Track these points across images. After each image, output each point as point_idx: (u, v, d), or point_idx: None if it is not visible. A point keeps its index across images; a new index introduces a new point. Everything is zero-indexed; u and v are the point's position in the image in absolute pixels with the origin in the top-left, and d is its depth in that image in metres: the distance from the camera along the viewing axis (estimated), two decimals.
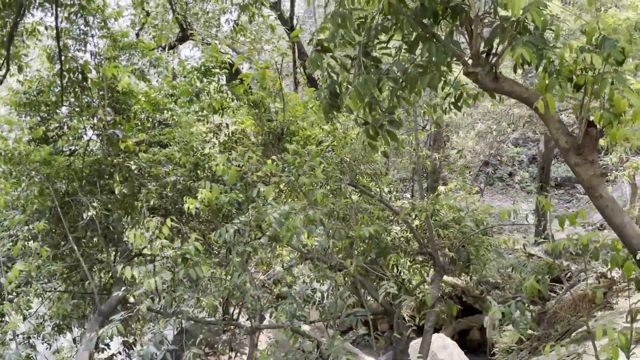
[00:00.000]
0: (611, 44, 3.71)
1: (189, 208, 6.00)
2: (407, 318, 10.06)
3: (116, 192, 7.87)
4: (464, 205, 8.54)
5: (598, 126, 3.92)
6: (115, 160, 8.07)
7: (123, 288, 6.55)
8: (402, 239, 7.86)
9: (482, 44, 4.30)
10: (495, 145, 17.25)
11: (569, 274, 14.93)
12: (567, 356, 10.69)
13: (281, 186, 7.44)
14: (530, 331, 13.01)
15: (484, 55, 4.32)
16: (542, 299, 13.57)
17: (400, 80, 4.41)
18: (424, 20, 4.59)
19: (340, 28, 4.49)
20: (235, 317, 10.53)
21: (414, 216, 7.69)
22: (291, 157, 6.54)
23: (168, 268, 5.77)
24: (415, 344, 9.59)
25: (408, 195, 11.17)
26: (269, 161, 6.40)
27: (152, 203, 8.25)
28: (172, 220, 7.18)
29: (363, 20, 4.95)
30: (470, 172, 16.56)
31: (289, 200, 7.31)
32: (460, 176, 16.04)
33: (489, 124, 15.08)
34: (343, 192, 7.39)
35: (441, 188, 9.28)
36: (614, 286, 13.02)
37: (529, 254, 15.65)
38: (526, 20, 4.16)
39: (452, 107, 5.15)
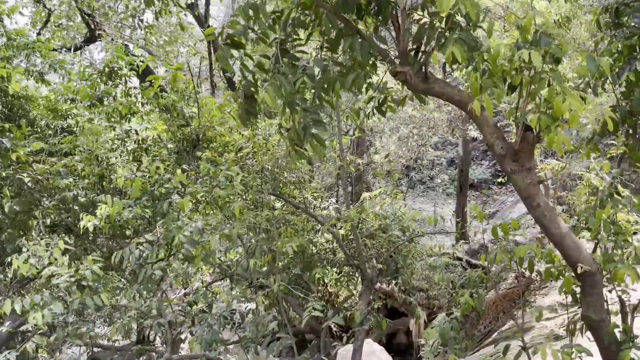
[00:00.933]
0: (547, 41, 3.37)
1: (84, 226, 5.17)
2: (335, 329, 9.60)
3: (6, 209, 6.82)
4: (390, 212, 8.19)
5: (535, 130, 3.58)
6: (4, 173, 7.02)
7: (10, 322, 5.59)
8: (328, 250, 7.37)
9: (411, 42, 3.86)
10: (416, 150, 17.27)
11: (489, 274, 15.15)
12: (491, 356, 10.66)
13: (199, 197, 6.74)
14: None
15: (412, 54, 3.89)
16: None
17: (320, 80, 3.89)
18: (345, 15, 4.10)
19: (251, 21, 3.91)
20: (152, 339, 9.64)
21: (339, 226, 7.22)
22: (206, 166, 5.86)
23: (61, 297, 4.93)
24: (344, 351, 9.15)
25: (333, 200, 10.71)
26: (179, 171, 5.69)
27: (50, 220, 7.27)
28: (76, 238, 6.27)
29: (279, 14, 4.40)
30: (393, 177, 16.44)
31: (208, 213, 6.62)
32: (383, 181, 15.84)
33: (411, 129, 15.02)
34: (265, 203, 6.80)
35: (366, 195, 8.91)
36: (532, 285, 13.27)
37: (455, 256, 15.76)
38: (457, 16, 3.77)
39: (376, 111, 4.70)
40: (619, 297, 3.88)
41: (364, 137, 15.85)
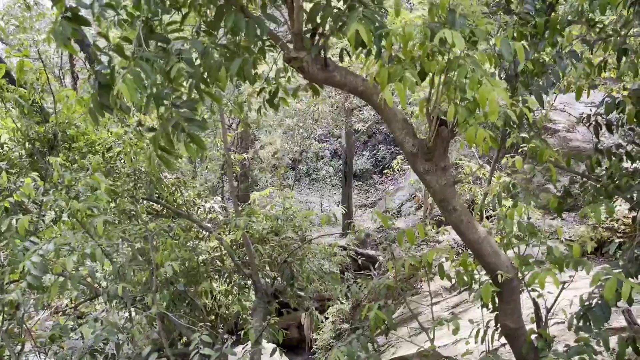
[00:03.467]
0: (462, 22, 2.88)
1: None
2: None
3: None
4: (281, 212, 7.55)
5: (449, 125, 3.10)
6: None
7: None
8: (215, 258, 6.53)
9: (305, 22, 3.19)
10: (302, 143, 16.82)
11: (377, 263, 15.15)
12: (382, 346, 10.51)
13: (55, 210, 5.56)
14: (346, 325, 12.76)
15: (308, 37, 3.23)
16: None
17: (199, 67, 3.10)
18: None
19: None
20: None
21: (227, 232, 6.43)
22: (59, 173, 4.76)
23: None
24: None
25: (219, 198, 9.83)
26: (27, 180, 4.55)
27: None
28: None
29: None
30: (278, 172, 15.84)
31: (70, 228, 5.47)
32: (270, 175, 15.16)
33: (296, 121, 14.48)
34: (137, 212, 5.79)
35: (256, 195, 8.18)
36: (419, 271, 13.40)
37: (343, 247, 15.54)
38: None
39: (267, 105, 3.99)
40: (534, 300, 3.57)
41: (248, 131, 15.04)
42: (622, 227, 11.28)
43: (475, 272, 3.65)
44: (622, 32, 4.23)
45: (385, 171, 21.80)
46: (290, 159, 17.57)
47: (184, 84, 3.41)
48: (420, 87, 3.23)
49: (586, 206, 3.98)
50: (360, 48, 3.29)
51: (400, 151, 20.89)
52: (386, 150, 23.37)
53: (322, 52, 3.18)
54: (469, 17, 2.96)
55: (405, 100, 2.98)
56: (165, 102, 3.19)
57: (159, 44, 3.40)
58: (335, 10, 3.16)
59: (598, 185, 4.26)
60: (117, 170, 6.75)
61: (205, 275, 5.89)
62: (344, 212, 18.70)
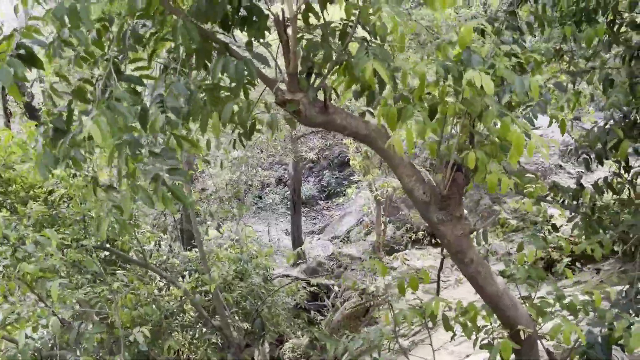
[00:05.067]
0: (478, 60, 2.63)
1: None
2: None
3: None
4: (242, 252, 7.07)
5: (463, 170, 2.83)
6: None
7: None
8: (178, 309, 5.94)
9: (301, 61, 2.85)
10: (248, 172, 16.29)
11: (332, 293, 14.74)
12: None
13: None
14: None
15: (304, 77, 2.87)
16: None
17: (186, 110, 2.67)
18: (205, 25, 2.96)
19: (66, 28, 2.57)
20: None
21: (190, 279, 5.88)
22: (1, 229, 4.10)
23: None
24: None
25: (166, 236, 9.22)
26: None
27: None
28: None
29: (107, 23, 3.08)
30: (227, 202, 15.20)
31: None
32: (220, 208, 14.59)
33: (245, 151, 14.00)
34: (88, 262, 5.12)
35: (213, 233, 7.65)
36: (375, 301, 13.11)
37: (294, 277, 15.03)
38: (351, 23, 2.89)
39: (241, 139, 3.58)
40: (548, 351, 3.33)
41: (192, 162, 14.36)
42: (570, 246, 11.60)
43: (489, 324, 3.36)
44: (603, 64, 4.19)
45: (339, 200, 21.62)
46: (236, 190, 17.02)
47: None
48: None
49: (582, 241, 3.85)
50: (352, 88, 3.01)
51: (350, 177, 20.82)
52: (331, 175, 23.24)
53: (324, 93, 2.84)
54: (480, 54, 2.72)
55: (413, 146, 2.69)
56: (141, 150, 2.74)
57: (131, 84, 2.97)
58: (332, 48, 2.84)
59: (588, 219, 4.15)
60: (62, 217, 6.04)
61: (169, 331, 5.30)
62: (294, 240, 18.31)
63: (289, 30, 2.73)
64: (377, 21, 2.61)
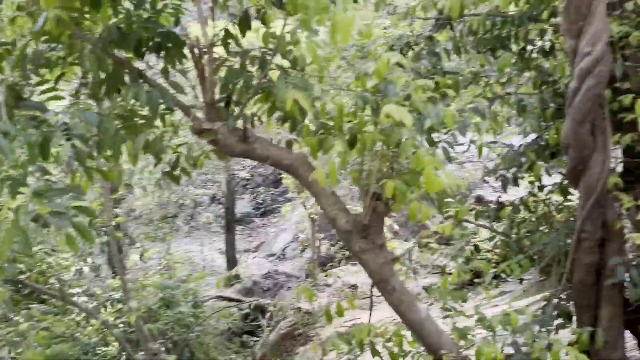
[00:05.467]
0: (394, 91, 2.66)
1: None
2: None
3: None
4: (170, 278, 6.81)
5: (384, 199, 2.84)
6: None
7: None
8: (99, 342, 5.60)
9: (219, 89, 2.77)
10: (179, 191, 15.86)
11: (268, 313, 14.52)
12: None
13: None
14: None
15: (223, 105, 2.80)
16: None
17: (97, 140, 2.51)
18: (116, 52, 2.83)
19: None
20: None
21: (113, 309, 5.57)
22: None
23: None
24: None
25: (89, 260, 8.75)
26: None
27: None
28: None
29: (9, 47, 2.88)
30: (156, 224, 14.69)
31: None
32: (147, 229, 14.09)
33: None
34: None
35: (135, 259, 7.33)
36: (309, 318, 13.02)
37: (229, 298, 14.67)
38: (268, 52, 2.85)
39: (166, 177, 3.44)
40: None
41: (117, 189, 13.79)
42: (495, 257, 12.08)
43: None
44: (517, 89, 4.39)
45: (275, 217, 21.44)
46: (167, 211, 16.52)
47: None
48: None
49: (501, 265, 3.99)
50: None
51: (285, 193, 20.70)
52: (266, 192, 23.06)
53: (244, 122, 2.77)
54: (397, 85, 2.75)
55: (336, 177, 2.67)
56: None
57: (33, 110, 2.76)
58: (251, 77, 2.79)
59: (507, 239, 4.31)
60: None
61: None
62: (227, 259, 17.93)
63: (205, 58, 2.65)
64: (296, 52, 2.58)
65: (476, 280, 11.34)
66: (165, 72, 2.85)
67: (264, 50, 2.81)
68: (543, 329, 3.74)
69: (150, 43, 2.87)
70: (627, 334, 4.06)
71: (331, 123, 2.76)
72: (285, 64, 2.84)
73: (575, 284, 3.74)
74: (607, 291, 3.62)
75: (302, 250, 18.09)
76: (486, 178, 14.56)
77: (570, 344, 3.52)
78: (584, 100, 3.36)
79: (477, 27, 4.71)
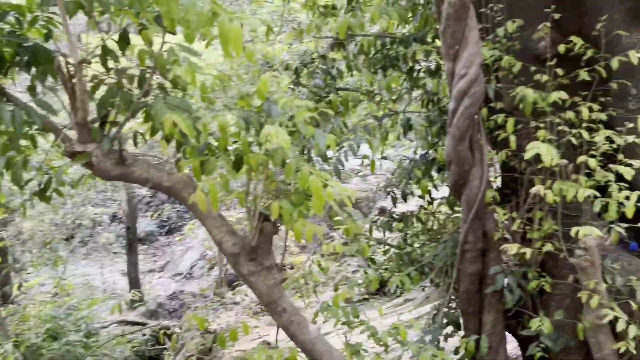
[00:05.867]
0: (278, 111, 2.65)
1: None
2: None
3: None
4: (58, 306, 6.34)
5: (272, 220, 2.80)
6: None
7: None
8: None
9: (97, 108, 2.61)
10: (75, 211, 14.89)
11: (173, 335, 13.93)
12: None
13: None
14: None
15: (98, 126, 2.63)
16: None
17: None
18: None
19: None
20: None
21: None
22: None
23: None
24: None
25: None
26: None
27: None
28: None
29: None
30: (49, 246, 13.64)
31: None
32: (38, 252, 13.07)
33: (68, 190, 12.73)
34: None
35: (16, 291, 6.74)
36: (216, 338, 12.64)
37: (132, 322, 13.92)
38: (147, 71, 2.74)
39: (37, 197, 3.18)
40: None
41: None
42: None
43: None
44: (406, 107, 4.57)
45: (177, 238, 20.72)
46: (61, 232, 15.43)
47: None
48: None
49: (393, 277, 4.10)
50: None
51: (189, 212, 20.12)
52: (171, 209, 22.27)
53: (119, 144, 2.62)
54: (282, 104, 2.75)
55: (217, 202, 2.60)
56: None
57: None
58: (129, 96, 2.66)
59: (399, 252, 4.44)
60: None
61: None
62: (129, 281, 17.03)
63: (77, 77, 2.49)
64: (174, 72, 2.49)
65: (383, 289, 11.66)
66: (32, 90, 2.64)
67: (143, 68, 2.69)
68: (431, 339, 3.90)
69: (17, 58, 2.67)
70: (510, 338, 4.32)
71: (216, 143, 2.70)
72: (168, 83, 2.75)
73: (461, 293, 3.91)
74: (489, 299, 3.83)
75: (210, 269, 17.65)
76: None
77: (457, 352, 3.69)
78: (461, 119, 3.55)
79: (367, 47, 4.86)
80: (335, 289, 3.53)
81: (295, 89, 4.88)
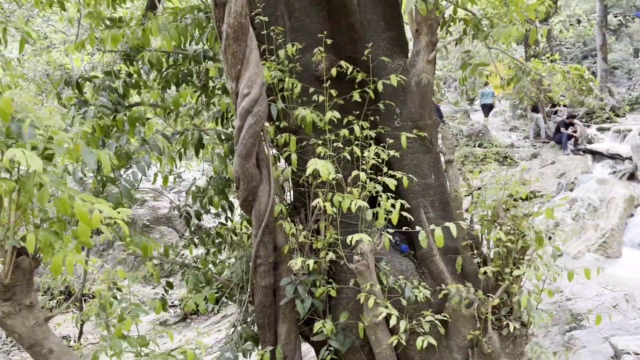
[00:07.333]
0: (32, 132, 2.39)
1: None
2: None
3: None
4: None
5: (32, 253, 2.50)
6: None
7: None
8: None
9: None
10: None
11: None
12: None
13: None
14: None
15: None
16: None
17: None
18: None
19: None
20: None
21: None
22: None
23: None
24: None
25: None
26: None
27: None
28: None
29: None
30: None
31: None
32: None
33: None
34: None
35: None
36: None
37: None
38: None
39: None
40: None
41: None
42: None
43: None
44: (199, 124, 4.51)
45: None
46: None
47: None
48: None
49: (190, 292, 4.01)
50: None
51: None
52: None
53: None
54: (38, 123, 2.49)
55: None
56: None
57: None
58: None
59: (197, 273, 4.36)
60: None
61: None
62: None
63: None
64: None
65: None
66: None
67: None
68: (231, 355, 3.89)
69: None
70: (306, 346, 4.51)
71: None
72: None
73: (256, 307, 3.97)
74: (283, 309, 3.94)
75: None
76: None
77: None
78: (247, 137, 3.62)
79: (157, 62, 4.71)
80: (119, 320, 3.30)
81: (80, 106, 4.51)
